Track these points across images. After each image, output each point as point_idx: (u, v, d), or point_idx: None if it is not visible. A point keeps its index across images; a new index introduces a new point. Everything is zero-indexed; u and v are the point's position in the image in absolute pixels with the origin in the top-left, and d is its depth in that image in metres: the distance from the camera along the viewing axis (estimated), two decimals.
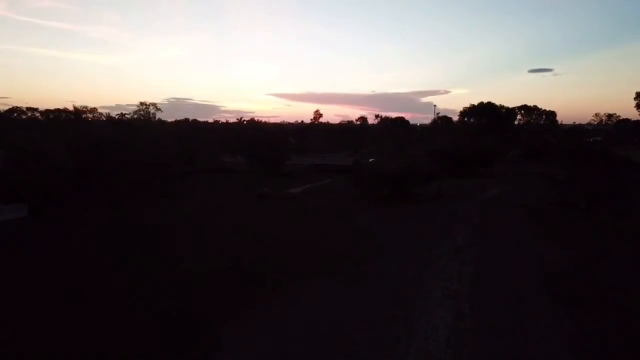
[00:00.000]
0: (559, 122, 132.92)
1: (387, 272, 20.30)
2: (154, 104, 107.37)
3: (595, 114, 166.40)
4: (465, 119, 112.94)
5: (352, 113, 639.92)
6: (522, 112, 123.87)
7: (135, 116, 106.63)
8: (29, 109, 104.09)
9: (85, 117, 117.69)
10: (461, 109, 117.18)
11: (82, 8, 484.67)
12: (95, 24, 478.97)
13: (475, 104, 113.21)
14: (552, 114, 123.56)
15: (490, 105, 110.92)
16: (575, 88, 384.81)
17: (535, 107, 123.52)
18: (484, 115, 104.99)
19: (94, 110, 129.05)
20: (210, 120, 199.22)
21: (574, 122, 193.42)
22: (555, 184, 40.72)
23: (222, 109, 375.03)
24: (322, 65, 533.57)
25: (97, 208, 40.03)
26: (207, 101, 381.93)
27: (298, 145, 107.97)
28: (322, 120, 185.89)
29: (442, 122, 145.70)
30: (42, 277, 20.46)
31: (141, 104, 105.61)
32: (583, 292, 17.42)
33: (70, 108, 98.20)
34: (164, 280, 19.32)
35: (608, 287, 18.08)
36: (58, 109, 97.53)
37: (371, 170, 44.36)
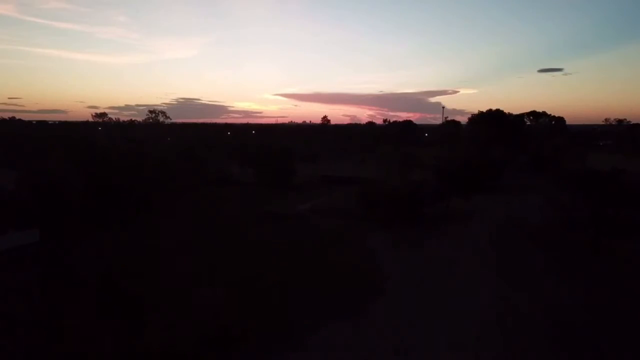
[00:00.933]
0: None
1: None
2: (163, 112, 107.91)
3: (605, 119, 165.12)
4: (473, 127, 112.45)
5: (360, 113, 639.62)
6: (531, 117, 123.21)
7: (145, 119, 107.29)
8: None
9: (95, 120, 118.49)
10: (470, 116, 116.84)
11: (90, 9, 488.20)
12: (104, 25, 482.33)
13: (484, 108, 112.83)
14: (561, 120, 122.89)
15: (499, 113, 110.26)
16: (586, 88, 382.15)
17: (544, 113, 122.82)
18: (493, 123, 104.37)
19: (103, 115, 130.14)
20: (219, 120, 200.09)
21: (583, 124, 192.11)
22: (561, 206, 40.37)
23: (231, 109, 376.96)
24: (330, 65, 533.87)
25: (103, 230, 40.32)
26: (216, 101, 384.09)
27: (306, 152, 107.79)
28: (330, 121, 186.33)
29: (450, 126, 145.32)
30: None
31: (150, 112, 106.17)
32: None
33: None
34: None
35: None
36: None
37: (379, 190, 44.18)
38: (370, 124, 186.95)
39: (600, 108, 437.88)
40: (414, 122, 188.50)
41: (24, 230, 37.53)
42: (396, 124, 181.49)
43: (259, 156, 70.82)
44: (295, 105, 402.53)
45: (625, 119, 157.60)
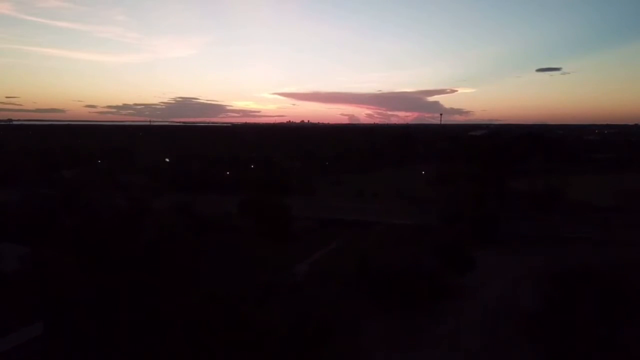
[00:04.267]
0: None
1: None
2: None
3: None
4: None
5: (358, 112, 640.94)
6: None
7: None
8: None
9: None
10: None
11: (88, 8, 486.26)
12: (102, 24, 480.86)
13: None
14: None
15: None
16: (584, 87, 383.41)
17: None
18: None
19: None
20: (217, 119, 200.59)
21: (581, 124, 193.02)
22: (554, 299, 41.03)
23: (229, 108, 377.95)
24: (328, 65, 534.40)
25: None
26: (214, 100, 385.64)
27: (301, 184, 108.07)
28: (326, 121, 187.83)
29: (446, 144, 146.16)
30: None
31: None
32: None
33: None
34: None
35: None
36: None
37: (376, 271, 44.90)
38: (369, 132, 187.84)
39: (599, 107, 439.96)
40: (412, 122, 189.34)
41: (29, 326, 38.23)
42: (394, 137, 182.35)
43: (256, 208, 71.53)
44: (294, 105, 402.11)
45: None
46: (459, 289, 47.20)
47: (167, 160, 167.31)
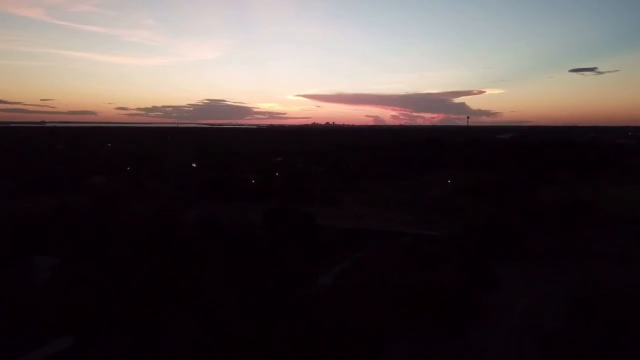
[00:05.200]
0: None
1: None
2: None
3: None
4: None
5: (384, 114, 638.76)
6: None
7: None
8: None
9: None
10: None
11: (117, 12, 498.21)
12: (131, 28, 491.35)
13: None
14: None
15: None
16: (619, 87, 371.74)
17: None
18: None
19: None
20: (244, 121, 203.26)
21: (617, 125, 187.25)
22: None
23: (255, 110, 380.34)
24: (352, 66, 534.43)
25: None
26: (241, 102, 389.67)
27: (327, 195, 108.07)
28: (351, 122, 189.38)
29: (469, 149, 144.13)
30: None
31: None
32: None
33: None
34: None
35: None
36: None
37: (401, 289, 44.70)
38: (395, 135, 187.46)
39: (634, 108, 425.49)
40: (438, 124, 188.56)
41: (60, 338, 39.41)
42: (419, 144, 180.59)
43: (281, 218, 72.00)
44: (318, 106, 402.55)
45: None
46: (484, 308, 46.58)
47: (194, 165, 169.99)
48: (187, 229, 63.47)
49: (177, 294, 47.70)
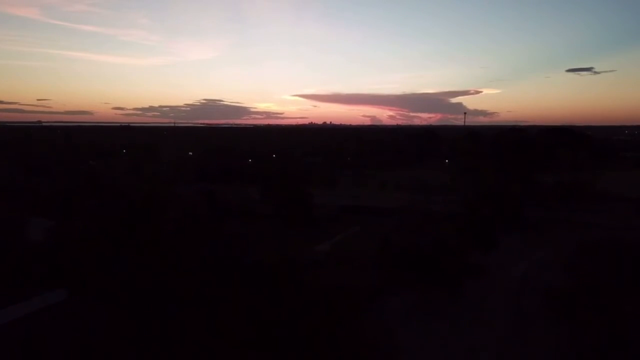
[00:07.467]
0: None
1: None
2: None
3: None
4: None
5: (380, 114, 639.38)
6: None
7: None
8: None
9: None
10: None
11: (113, 12, 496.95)
12: (126, 28, 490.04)
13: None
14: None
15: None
16: (616, 87, 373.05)
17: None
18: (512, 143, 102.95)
19: None
20: (241, 121, 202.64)
21: (613, 125, 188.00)
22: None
23: (252, 110, 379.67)
24: (349, 66, 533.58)
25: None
26: (238, 102, 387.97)
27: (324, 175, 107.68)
28: (348, 122, 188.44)
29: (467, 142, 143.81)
30: None
31: None
32: None
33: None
34: None
35: None
36: None
37: (399, 248, 44.01)
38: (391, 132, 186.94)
39: (631, 108, 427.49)
40: (435, 124, 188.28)
41: (53, 290, 38.68)
42: (417, 135, 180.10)
43: (278, 193, 71.39)
44: (315, 106, 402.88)
45: None
46: (483, 268, 46.07)
47: (191, 154, 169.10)
48: (186, 197, 62.92)
49: (173, 250, 47.10)
